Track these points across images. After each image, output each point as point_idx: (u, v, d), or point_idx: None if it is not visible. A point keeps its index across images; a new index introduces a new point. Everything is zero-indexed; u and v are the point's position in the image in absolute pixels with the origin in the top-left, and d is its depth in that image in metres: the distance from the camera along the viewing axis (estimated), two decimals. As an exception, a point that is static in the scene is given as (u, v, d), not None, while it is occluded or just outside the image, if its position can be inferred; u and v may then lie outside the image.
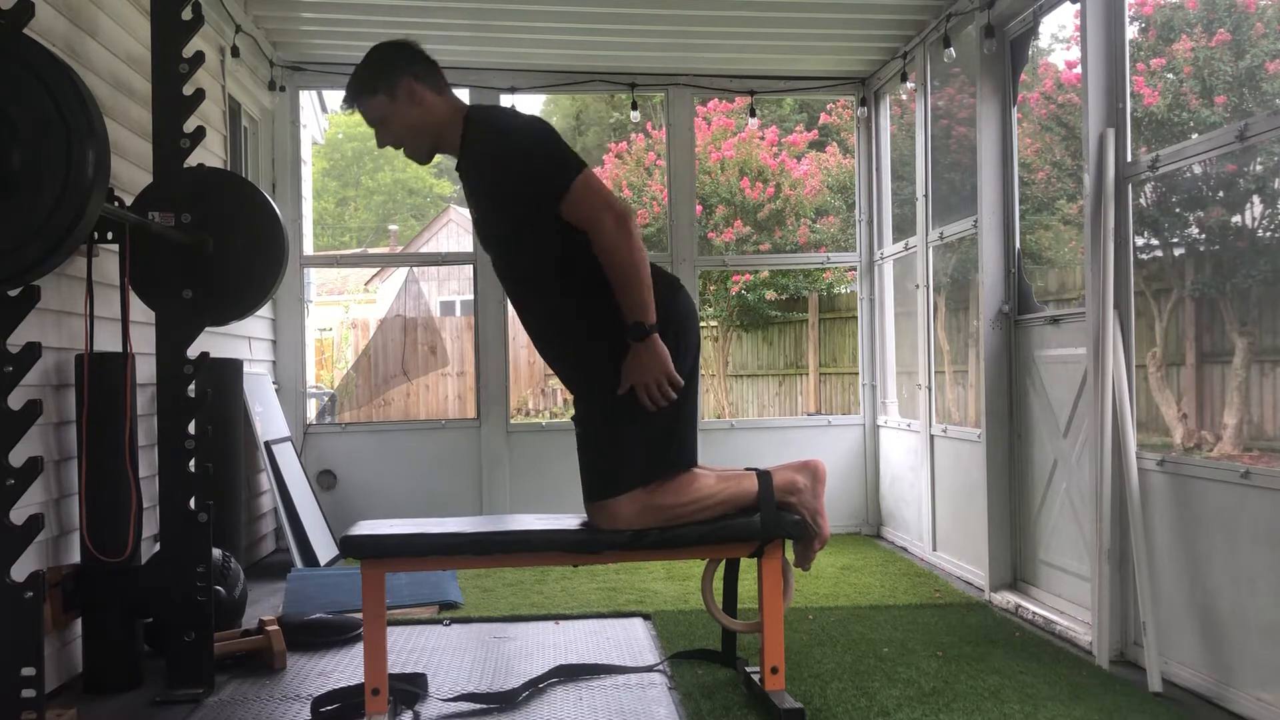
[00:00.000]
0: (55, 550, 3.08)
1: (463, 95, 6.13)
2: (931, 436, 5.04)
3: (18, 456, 2.53)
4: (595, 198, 2.64)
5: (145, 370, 3.36)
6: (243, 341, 5.11)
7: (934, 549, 5.02)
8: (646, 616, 3.96)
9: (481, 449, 5.76)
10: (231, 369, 4.65)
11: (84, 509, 3.01)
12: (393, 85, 2.71)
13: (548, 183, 2.65)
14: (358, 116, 2.80)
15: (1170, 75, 7.92)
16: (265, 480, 5.12)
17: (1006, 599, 4.11)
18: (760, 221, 11.76)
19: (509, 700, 2.96)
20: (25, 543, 2.52)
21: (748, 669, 3.08)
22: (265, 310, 5.40)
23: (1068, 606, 3.82)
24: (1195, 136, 7.01)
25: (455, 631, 3.80)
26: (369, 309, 20.70)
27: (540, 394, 14.86)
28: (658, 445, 2.75)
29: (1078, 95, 6.13)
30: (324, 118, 8.07)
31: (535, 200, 2.67)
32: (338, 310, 20.54)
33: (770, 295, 12.06)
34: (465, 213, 18.72)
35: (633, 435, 2.73)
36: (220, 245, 3.44)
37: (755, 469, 2.87)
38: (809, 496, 2.86)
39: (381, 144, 2.80)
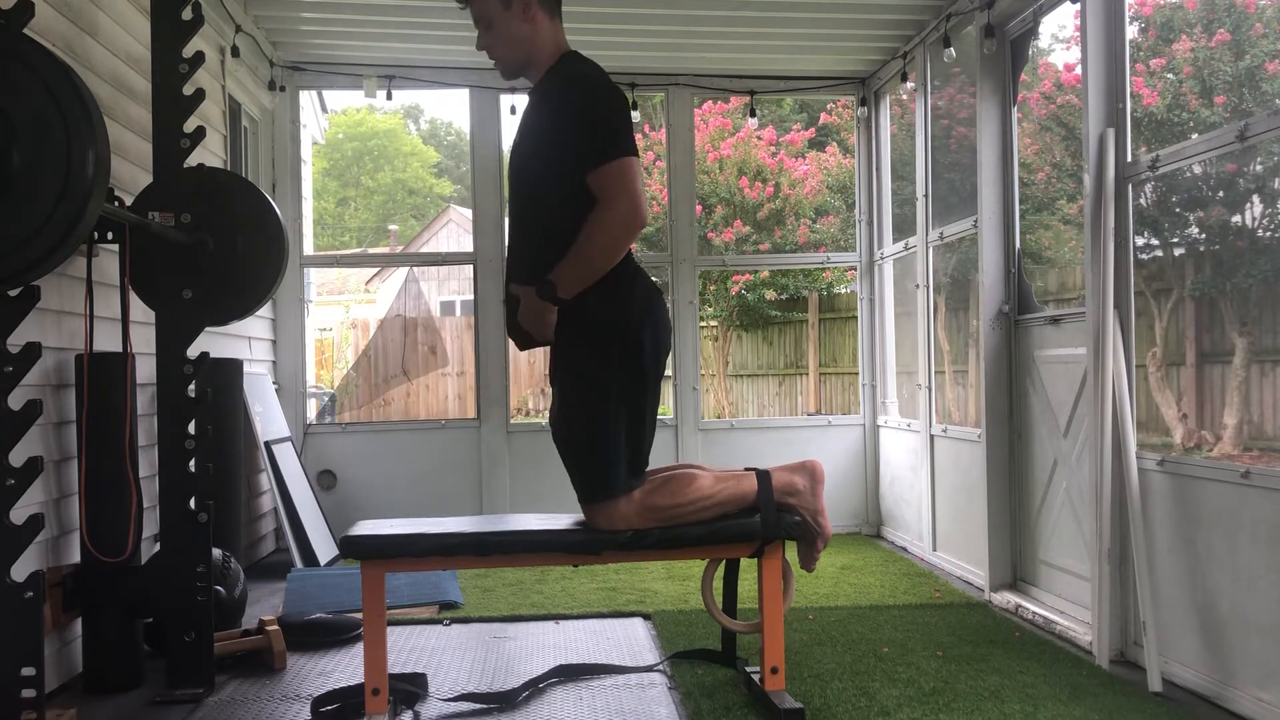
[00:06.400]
0: (55, 550, 3.08)
1: (462, 95, 6.15)
2: (931, 436, 5.05)
3: (18, 456, 2.53)
4: (625, 184, 2.63)
5: (145, 370, 3.36)
6: (243, 341, 5.11)
7: (934, 549, 5.02)
8: (646, 616, 3.96)
9: (481, 449, 5.77)
10: (231, 369, 4.65)
11: (84, 509, 3.01)
12: None
13: (594, 144, 2.64)
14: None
15: (1170, 75, 7.92)
16: (265, 480, 5.12)
17: (1006, 599, 4.11)
18: (760, 221, 11.75)
19: (509, 700, 2.96)
20: (25, 543, 2.53)
21: (748, 669, 3.09)
22: (265, 310, 5.40)
23: (1068, 606, 3.82)
24: (1195, 136, 7.01)
25: (455, 631, 3.80)
26: (369, 309, 20.71)
27: (540, 394, 14.84)
28: (635, 437, 2.77)
29: (1077, 95, 6.13)
30: (324, 118, 8.06)
31: (575, 153, 2.66)
32: (338, 310, 20.56)
33: (770, 295, 12.05)
34: (465, 212, 18.69)
35: (615, 433, 2.74)
36: (220, 245, 3.45)
37: (754, 469, 2.88)
38: (808, 497, 2.86)
39: (480, 46, 2.81)
